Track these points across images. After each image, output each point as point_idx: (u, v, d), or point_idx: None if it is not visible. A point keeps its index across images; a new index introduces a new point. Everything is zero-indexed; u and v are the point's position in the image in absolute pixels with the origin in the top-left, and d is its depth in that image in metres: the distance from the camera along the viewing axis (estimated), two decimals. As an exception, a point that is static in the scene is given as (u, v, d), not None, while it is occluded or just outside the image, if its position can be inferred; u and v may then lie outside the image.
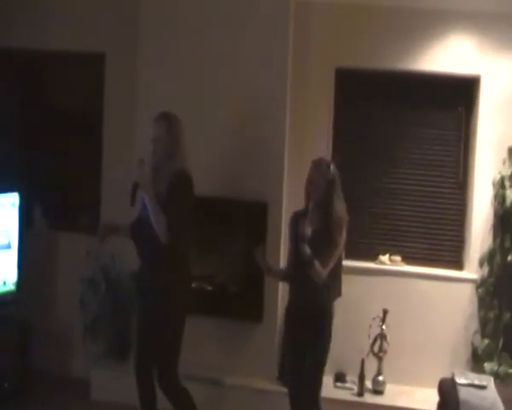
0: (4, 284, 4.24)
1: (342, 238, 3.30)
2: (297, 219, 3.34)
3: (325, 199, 3.29)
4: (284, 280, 3.60)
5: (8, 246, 4.27)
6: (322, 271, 3.21)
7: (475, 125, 4.42)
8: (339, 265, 3.36)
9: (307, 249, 3.19)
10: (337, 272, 3.35)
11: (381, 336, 4.27)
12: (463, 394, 3.43)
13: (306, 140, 4.41)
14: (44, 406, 4.20)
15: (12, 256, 4.28)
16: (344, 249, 3.42)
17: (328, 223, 3.26)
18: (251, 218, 4.16)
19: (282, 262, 4.19)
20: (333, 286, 3.32)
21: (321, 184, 3.29)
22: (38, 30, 4.64)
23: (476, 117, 4.41)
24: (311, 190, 3.33)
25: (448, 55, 4.38)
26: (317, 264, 3.19)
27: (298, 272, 3.33)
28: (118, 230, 3.51)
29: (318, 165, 3.35)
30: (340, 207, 3.33)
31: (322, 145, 4.43)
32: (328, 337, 3.31)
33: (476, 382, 3.55)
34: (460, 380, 3.55)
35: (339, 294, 3.40)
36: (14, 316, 4.26)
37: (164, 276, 3.29)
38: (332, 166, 3.36)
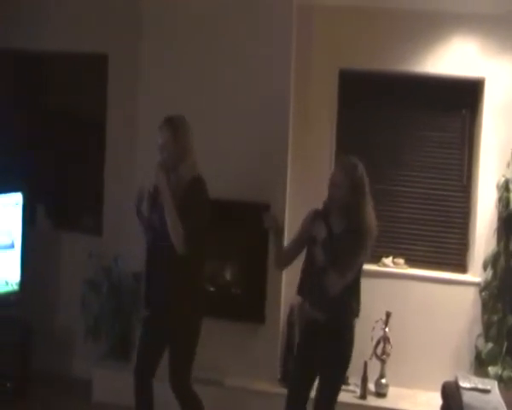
0: (7, 283, 4.24)
1: (365, 250, 3.03)
2: (315, 218, 3.11)
3: (349, 202, 3.02)
4: (278, 258, 3.27)
5: (12, 246, 4.27)
6: (337, 280, 2.95)
7: (479, 127, 4.40)
8: (358, 281, 3.10)
9: (322, 253, 2.97)
10: (357, 288, 3.12)
11: (384, 339, 4.25)
12: (467, 398, 3.42)
13: (309, 142, 4.40)
14: (46, 406, 4.19)
15: (15, 256, 4.28)
16: (365, 264, 3.18)
17: (354, 230, 3.00)
18: (253, 219, 4.14)
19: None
20: (350, 302, 3.09)
21: (345, 184, 3.02)
22: (40, 31, 4.64)
23: (480, 120, 4.39)
24: (333, 192, 3.05)
25: (452, 57, 4.36)
26: (332, 272, 2.96)
27: (312, 283, 3.10)
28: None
29: (343, 164, 3.12)
30: (369, 214, 3.06)
31: (325, 147, 4.43)
32: (348, 358, 3.13)
33: (480, 386, 3.54)
34: (464, 384, 3.54)
35: (357, 314, 3.16)
36: (16, 316, 4.25)
37: (184, 283, 3.21)
38: (360, 167, 3.08)
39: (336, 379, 3.18)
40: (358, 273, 3.11)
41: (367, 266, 4.38)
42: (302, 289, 3.23)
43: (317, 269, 3.03)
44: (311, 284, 3.14)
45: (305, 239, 3.19)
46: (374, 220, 3.11)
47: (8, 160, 4.81)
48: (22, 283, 4.30)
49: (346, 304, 3.10)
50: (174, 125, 3.17)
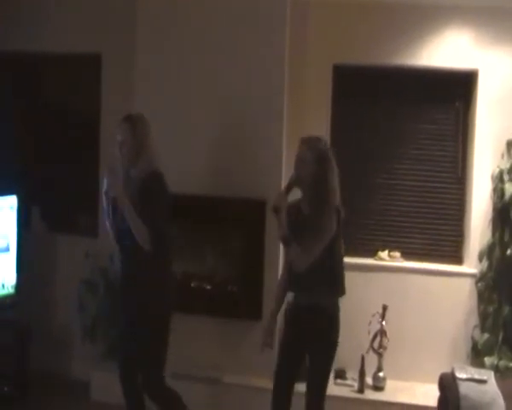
0: (3, 286, 4.24)
1: (330, 224, 2.99)
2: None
3: (316, 176, 3.02)
4: (283, 238, 3.09)
5: (7, 249, 4.26)
6: (301, 254, 2.97)
7: (473, 119, 4.40)
8: (334, 258, 3.12)
9: (283, 226, 2.97)
10: (335, 266, 3.15)
11: (381, 333, 4.26)
12: (464, 388, 3.43)
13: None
14: (45, 407, 4.20)
15: (10, 259, 4.27)
16: (343, 245, 3.19)
17: (320, 207, 3.00)
18: (249, 216, 4.15)
19: (281, 261, 4.19)
20: (329, 280, 3.13)
21: (309, 158, 3.03)
22: (34, 32, 4.62)
23: (474, 111, 4.39)
24: (298, 166, 3.06)
25: (445, 49, 4.36)
26: (296, 246, 2.96)
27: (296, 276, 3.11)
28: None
29: (307, 139, 3.11)
30: (336, 190, 3.06)
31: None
32: (335, 340, 3.17)
33: (476, 376, 3.55)
34: (460, 375, 3.55)
35: (342, 292, 3.22)
36: (13, 319, 4.26)
37: (149, 277, 3.23)
38: (324, 141, 3.14)
39: (324, 361, 3.17)
40: (332, 250, 3.07)
41: (363, 260, 4.48)
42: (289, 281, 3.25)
43: (282, 243, 3.06)
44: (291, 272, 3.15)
45: None
46: (338, 197, 3.10)
47: (2, 162, 4.80)
48: (18, 285, 4.30)
49: (325, 282, 3.11)
50: (133, 122, 3.27)
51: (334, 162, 3.10)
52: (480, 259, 4.32)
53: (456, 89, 4.47)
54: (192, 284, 4.26)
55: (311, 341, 3.16)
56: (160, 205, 3.22)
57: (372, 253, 4.53)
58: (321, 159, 3.05)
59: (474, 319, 4.34)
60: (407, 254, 4.53)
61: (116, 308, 4.25)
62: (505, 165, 4.25)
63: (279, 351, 3.33)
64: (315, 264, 3.01)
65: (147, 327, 3.26)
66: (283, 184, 4.18)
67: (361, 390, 4.19)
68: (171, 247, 3.36)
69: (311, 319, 3.14)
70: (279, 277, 3.47)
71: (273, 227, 4.08)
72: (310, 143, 3.10)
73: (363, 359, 4.21)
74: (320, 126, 4.43)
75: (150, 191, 3.19)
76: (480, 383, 3.49)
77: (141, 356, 3.30)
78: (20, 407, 4.18)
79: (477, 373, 3.60)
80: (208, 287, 4.30)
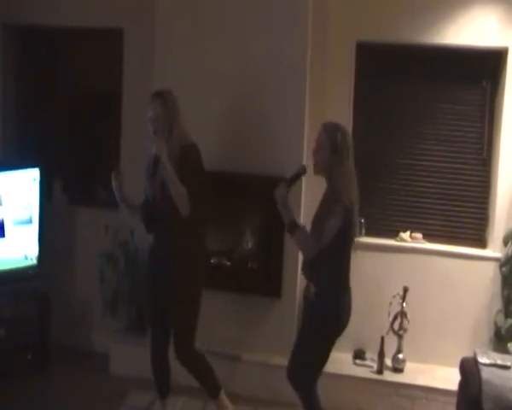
0: (26, 258, 4.29)
1: (336, 216, 2.97)
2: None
3: (330, 164, 3.07)
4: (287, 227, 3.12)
5: (30, 221, 4.31)
6: (307, 242, 3.02)
7: (501, 99, 4.29)
8: (338, 250, 3.07)
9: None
10: (339, 259, 3.11)
11: (402, 314, 4.22)
12: (486, 373, 3.37)
13: (326, 114, 4.30)
14: (65, 378, 4.26)
15: (33, 231, 4.31)
16: (353, 241, 3.13)
17: (331, 193, 3.06)
18: (269, 192, 4.11)
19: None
20: (331, 272, 3.11)
21: (326, 145, 3.08)
22: (55, 6, 4.61)
23: (502, 91, 4.28)
24: (315, 152, 3.13)
25: (473, 27, 4.24)
26: (300, 232, 3.01)
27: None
28: (129, 201, 3.49)
29: (326, 126, 3.15)
30: (348, 181, 3.05)
31: (342, 120, 4.31)
32: (322, 320, 3.13)
33: (499, 362, 3.48)
34: (482, 359, 3.49)
35: (341, 287, 3.14)
36: (35, 290, 4.32)
37: (185, 247, 3.31)
38: (342, 129, 3.13)
39: (305, 338, 3.19)
40: (339, 242, 3.04)
41: (384, 241, 4.43)
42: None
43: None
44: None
45: None
46: (354, 189, 3.09)
47: (25, 136, 4.84)
48: (40, 257, 4.34)
49: (327, 273, 3.11)
50: (164, 97, 3.31)
51: (350, 151, 3.11)
52: (505, 243, 4.23)
53: (484, 68, 4.36)
54: (212, 261, 4.25)
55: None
56: (198, 176, 3.29)
57: (394, 233, 4.47)
58: (336, 148, 3.06)
59: (498, 304, 4.26)
60: (429, 236, 4.45)
61: (137, 282, 4.31)
62: (532, 147, 4.16)
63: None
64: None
65: (183, 298, 3.32)
66: (304, 160, 4.17)
67: (380, 371, 4.16)
68: (206, 221, 3.42)
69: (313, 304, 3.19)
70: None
71: (293, 203, 4.10)
72: (327, 131, 3.12)
73: (382, 340, 4.18)
74: (343, 105, 4.38)
75: (189, 163, 3.26)
76: (503, 368, 3.43)
77: (177, 325, 3.37)
78: (42, 376, 4.25)
79: (500, 359, 3.53)
80: (228, 263, 4.29)
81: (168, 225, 3.31)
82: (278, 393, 4.00)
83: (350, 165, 3.10)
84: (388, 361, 4.22)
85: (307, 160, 4.15)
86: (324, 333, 3.14)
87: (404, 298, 4.22)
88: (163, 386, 3.56)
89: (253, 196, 4.11)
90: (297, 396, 3.27)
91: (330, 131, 3.11)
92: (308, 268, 3.19)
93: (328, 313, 3.13)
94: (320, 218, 3.09)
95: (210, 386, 3.49)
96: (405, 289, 4.22)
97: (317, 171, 3.15)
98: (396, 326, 4.23)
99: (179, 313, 3.37)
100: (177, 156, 3.25)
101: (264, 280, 4.19)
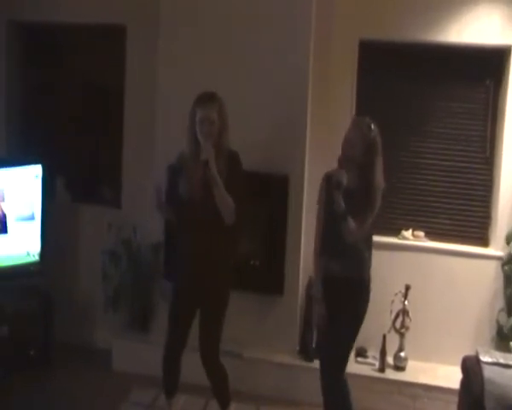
0: (28, 254, 4.30)
1: (375, 208, 3.16)
2: (330, 178, 3.19)
3: (363, 161, 3.13)
4: (342, 212, 3.16)
5: (32, 217, 4.31)
6: (355, 229, 3.08)
7: (504, 98, 4.28)
8: (370, 237, 3.27)
9: (341, 201, 3.07)
10: (369, 244, 3.28)
11: (403, 312, 4.22)
12: (488, 372, 3.36)
13: (329, 113, 4.33)
14: (67, 374, 4.26)
15: (35, 227, 4.32)
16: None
17: (367, 187, 3.13)
18: (272, 191, 4.12)
19: (304, 236, 4.17)
20: (365, 255, 3.25)
21: (359, 143, 3.13)
22: (59, 3, 4.61)
23: (506, 90, 4.27)
24: (346, 149, 3.16)
25: (476, 25, 4.23)
26: (350, 220, 3.07)
27: (333, 242, 3.21)
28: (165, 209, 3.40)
29: (359, 123, 3.21)
30: (380, 175, 3.18)
31: (345, 119, 4.34)
32: (361, 314, 3.27)
33: (502, 360, 3.48)
34: (485, 358, 3.48)
35: (370, 266, 3.32)
36: (37, 286, 4.33)
37: (226, 251, 3.32)
38: (374, 127, 3.19)
39: (348, 327, 3.28)
40: (372, 230, 3.25)
41: (386, 239, 4.43)
42: (321, 244, 3.33)
43: (337, 217, 3.11)
44: (330, 237, 3.24)
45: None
46: (383, 182, 3.22)
47: (28, 132, 4.84)
48: (43, 253, 4.35)
49: (362, 255, 3.24)
50: (220, 103, 3.26)
51: (380, 147, 3.19)
52: (508, 242, 4.23)
53: (487, 66, 4.35)
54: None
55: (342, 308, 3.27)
56: (243, 183, 3.29)
57: (395, 232, 4.47)
58: (370, 147, 3.14)
59: (500, 303, 4.26)
60: (432, 235, 4.46)
61: (138, 279, 4.31)
62: (536, 146, 4.16)
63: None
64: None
65: (221, 301, 3.33)
66: (307, 159, 4.17)
67: (382, 369, 4.16)
68: (242, 226, 3.41)
69: (346, 288, 3.24)
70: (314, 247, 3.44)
71: (295, 202, 4.13)
72: (360, 129, 3.17)
73: (384, 338, 4.18)
74: (346, 103, 4.38)
75: (237, 169, 3.26)
76: (505, 367, 3.42)
77: (211, 328, 3.35)
78: (45, 372, 4.25)
79: (502, 358, 3.53)
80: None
81: (209, 228, 3.25)
82: (280, 390, 4.00)
83: (381, 159, 3.21)
84: (390, 359, 4.23)
85: (310, 158, 4.19)
86: (362, 318, 3.30)
87: (406, 296, 4.22)
88: (171, 386, 3.54)
89: (255, 195, 4.09)
90: (324, 394, 3.33)
91: (362, 130, 3.17)
92: (350, 252, 3.21)
93: (367, 298, 3.30)
94: (359, 206, 3.11)
95: (224, 396, 3.46)
96: (407, 288, 4.21)
97: (349, 164, 3.17)
98: (398, 324, 4.23)
99: (215, 316, 3.34)
100: (225, 161, 3.22)
101: (266, 277, 4.19)
